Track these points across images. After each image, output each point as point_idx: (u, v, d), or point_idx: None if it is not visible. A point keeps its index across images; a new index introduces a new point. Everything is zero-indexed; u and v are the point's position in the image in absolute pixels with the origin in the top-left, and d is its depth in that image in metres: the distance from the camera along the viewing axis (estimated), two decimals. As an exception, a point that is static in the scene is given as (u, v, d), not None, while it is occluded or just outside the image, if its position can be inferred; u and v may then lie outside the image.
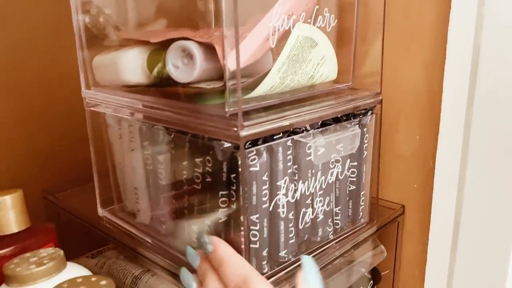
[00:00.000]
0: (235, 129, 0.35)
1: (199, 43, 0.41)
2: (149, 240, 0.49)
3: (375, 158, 0.50)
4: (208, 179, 0.40)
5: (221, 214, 0.40)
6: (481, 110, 0.48)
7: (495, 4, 0.44)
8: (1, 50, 0.62)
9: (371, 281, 0.55)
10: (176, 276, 0.46)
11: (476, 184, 0.50)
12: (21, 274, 0.43)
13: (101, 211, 0.56)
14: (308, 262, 0.36)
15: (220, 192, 0.39)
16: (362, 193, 0.49)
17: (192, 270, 0.39)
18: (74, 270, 0.47)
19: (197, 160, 0.40)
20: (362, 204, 0.49)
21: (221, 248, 0.36)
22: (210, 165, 0.39)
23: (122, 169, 0.52)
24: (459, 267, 0.53)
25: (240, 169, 0.36)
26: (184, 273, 0.39)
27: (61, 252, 0.47)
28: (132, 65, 0.47)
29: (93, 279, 0.43)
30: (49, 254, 0.46)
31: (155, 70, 0.45)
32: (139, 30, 0.56)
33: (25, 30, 0.63)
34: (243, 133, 0.35)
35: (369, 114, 0.47)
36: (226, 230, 0.40)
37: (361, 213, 0.50)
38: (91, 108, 0.52)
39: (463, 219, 0.51)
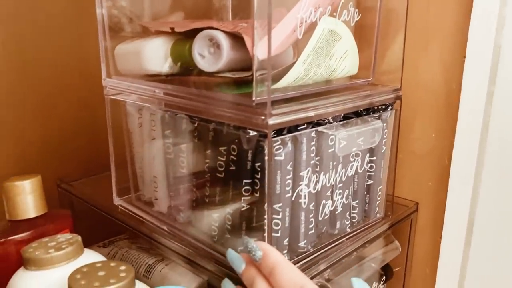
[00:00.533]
0: (263, 117, 0.35)
1: (226, 33, 0.41)
2: (165, 228, 0.49)
3: (392, 154, 0.50)
4: (232, 168, 0.40)
5: (244, 203, 0.40)
6: (499, 111, 0.48)
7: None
8: (19, 37, 0.62)
9: (384, 277, 0.55)
10: (193, 263, 0.46)
11: (491, 185, 0.50)
12: (40, 257, 0.43)
13: (117, 200, 0.56)
14: (358, 284, 0.35)
15: (244, 181, 0.39)
16: (379, 188, 0.49)
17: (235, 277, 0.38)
18: (92, 256, 0.47)
19: (221, 148, 0.41)
20: (378, 199, 0.50)
21: (273, 254, 0.35)
22: (234, 153, 0.40)
23: (141, 158, 0.53)
24: (471, 266, 0.53)
25: (266, 158, 0.36)
26: (227, 284, 0.38)
27: (79, 238, 0.47)
28: (156, 54, 0.48)
29: (112, 264, 0.43)
30: (67, 240, 0.46)
31: (180, 60, 0.46)
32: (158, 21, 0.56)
33: (43, 18, 0.64)
34: (271, 121, 0.35)
35: (389, 109, 0.48)
36: (248, 219, 0.41)
37: (377, 208, 0.50)
38: (111, 97, 0.53)
39: (477, 219, 0.52)
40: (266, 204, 0.37)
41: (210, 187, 0.43)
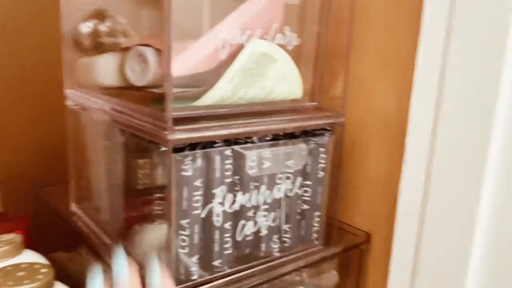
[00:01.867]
0: (165, 132, 0.36)
1: (157, 50, 0.43)
2: (107, 241, 0.50)
3: (334, 180, 0.49)
4: (147, 181, 0.41)
5: (155, 215, 0.40)
6: (445, 139, 0.46)
7: (460, 36, 0.44)
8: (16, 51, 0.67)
9: (325, 307, 0.53)
10: None
11: (437, 216, 0.48)
12: (-24, 253, 0.45)
13: (73, 207, 0.58)
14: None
15: (156, 195, 0.40)
16: (316, 213, 0.48)
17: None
18: (30, 257, 0.49)
19: (141, 161, 0.42)
20: (316, 225, 0.49)
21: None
22: (149, 167, 0.40)
23: (93, 167, 0.55)
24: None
25: (167, 172, 0.37)
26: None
27: (19, 239, 0.49)
28: (106, 68, 0.50)
29: (36, 266, 0.44)
30: (9, 240, 0.48)
31: (121, 74, 0.48)
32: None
33: (39, 35, 0.68)
34: (171, 137, 0.36)
35: (326, 134, 0.47)
36: (162, 234, 0.41)
37: (315, 235, 0.49)
38: (72, 107, 0.55)
39: (423, 252, 0.49)
40: (168, 219, 0.38)
41: (133, 199, 0.44)
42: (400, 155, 0.51)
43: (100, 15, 0.59)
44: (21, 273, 0.43)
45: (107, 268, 0.50)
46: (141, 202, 0.44)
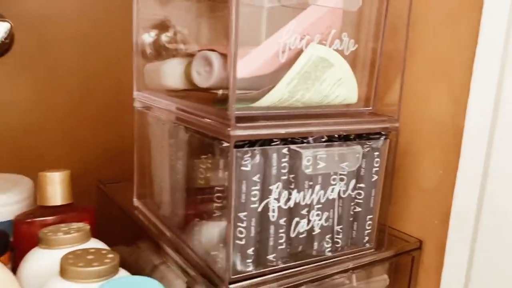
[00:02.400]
0: (229, 129, 0.39)
1: (222, 54, 0.46)
2: (168, 234, 0.54)
3: (387, 185, 0.50)
4: (208, 176, 0.44)
5: (215, 207, 0.43)
6: (502, 146, 0.46)
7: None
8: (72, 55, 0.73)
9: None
10: (187, 274, 0.50)
11: (491, 224, 0.47)
12: (50, 238, 0.50)
13: (135, 201, 0.62)
14: None
15: (216, 188, 0.43)
16: (369, 217, 0.49)
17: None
18: (96, 245, 0.53)
19: (203, 157, 0.45)
20: (368, 228, 0.50)
21: None
22: (210, 162, 0.43)
23: (155, 165, 0.58)
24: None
25: (229, 166, 0.39)
26: None
27: (88, 227, 0.53)
28: (172, 72, 0.54)
29: (103, 251, 0.48)
30: (78, 227, 0.53)
31: (187, 77, 0.51)
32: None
33: (107, 43, 0.74)
34: (233, 133, 0.38)
35: (382, 138, 0.48)
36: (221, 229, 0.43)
37: (366, 238, 0.50)
38: (138, 108, 0.59)
39: (477, 261, 0.49)
40: (228, 211, 0.40)
41: (196, 195, 0.47)
42: (455, 163, 0.51)
43: (163, 26, 0.64)
44: (90, 257, 0.46)
45: (166, 259, 0.53)
46: (201, 198, 0.47)
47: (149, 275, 0.58)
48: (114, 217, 0.69)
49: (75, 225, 0.54)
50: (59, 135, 0.75)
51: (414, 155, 0.55)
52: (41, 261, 0.50)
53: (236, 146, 0.40)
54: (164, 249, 0.51)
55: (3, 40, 0.59)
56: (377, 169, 0.48)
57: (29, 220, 0.56)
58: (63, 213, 0.57)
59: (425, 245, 0.55)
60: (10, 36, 0.60)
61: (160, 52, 0.62)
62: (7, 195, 0.60)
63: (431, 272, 0.55)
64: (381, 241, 0.51)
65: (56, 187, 0.57)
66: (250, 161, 0.41)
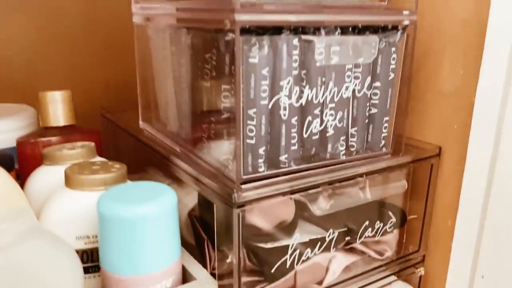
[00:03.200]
0: (234, 14, 0.36)
1: None
2: (177, 149, 0.52)
3: (404, 85, 0.47)
4: (214, 74, 0.41)
5: (223, 109, 0.41)
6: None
7: None
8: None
9: (392, 220, 0.52)
10: (199, 182, 0.48)
11: (517, 122, 0.45)
12: (53, 154, 0.48)
13: (141, 124, 0.60)
14: None
15: (223, 86, 0.40)
16: (385, 119, 0.47)
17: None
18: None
19: (207, 56, 0.42)
20: (384, 131, 0.47)
21: None
22: (215, 59, 0.40)
23: (158, 80, 0.56)
24: (490, 218, 0.48)
25: (236, 57, 0.36)
26: None
27: (93, 144, 0.51)
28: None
29: (110, 163, 0.46)
30: (83, 145, 0.51)
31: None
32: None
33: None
34: (239, 17, 0.35)
35: (399, 32, 0.45)
36: (229, 127, 0.41)
37: (383, 142, 0.47)
38: (138, 23, 0.56)
39: (499, 164, 0.46)
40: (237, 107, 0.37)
41: (202, 98, 0.45)
42: (477, 64, 0.48)
43: None
44: (96, 167, 0.45)
45: (176, 172, 0.51)
46: (208, 102, 0.45)
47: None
48: (120, 145, 0.67)
49: (80, 143, 0.52)
50: (60, 67, 0.73)
51: (433, 57, 0.52)
52: (46, 177, 0.48)
53: (243, 35, 0.37)
54: (174, 162, 0.49)
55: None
56: (394, 66, 0.45)
57: (33, 141, 0.54)
58: (67, 135, 0.55)
59: (445, 152, 0.53)
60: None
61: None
62: (12, 120, 0.59)
63: (451, 180, 0.52)
64: (398, 146, 0.49)
65: (57, 106, 0.55)
66: (258, 52, 0.38)
